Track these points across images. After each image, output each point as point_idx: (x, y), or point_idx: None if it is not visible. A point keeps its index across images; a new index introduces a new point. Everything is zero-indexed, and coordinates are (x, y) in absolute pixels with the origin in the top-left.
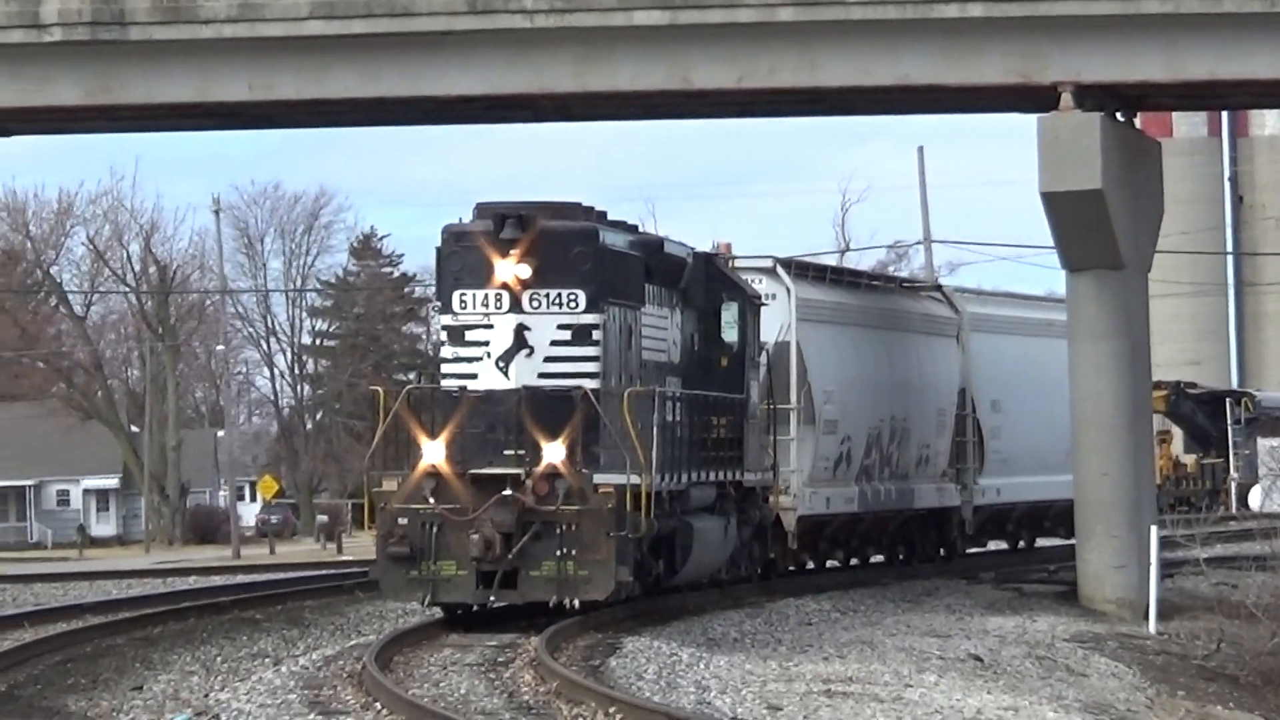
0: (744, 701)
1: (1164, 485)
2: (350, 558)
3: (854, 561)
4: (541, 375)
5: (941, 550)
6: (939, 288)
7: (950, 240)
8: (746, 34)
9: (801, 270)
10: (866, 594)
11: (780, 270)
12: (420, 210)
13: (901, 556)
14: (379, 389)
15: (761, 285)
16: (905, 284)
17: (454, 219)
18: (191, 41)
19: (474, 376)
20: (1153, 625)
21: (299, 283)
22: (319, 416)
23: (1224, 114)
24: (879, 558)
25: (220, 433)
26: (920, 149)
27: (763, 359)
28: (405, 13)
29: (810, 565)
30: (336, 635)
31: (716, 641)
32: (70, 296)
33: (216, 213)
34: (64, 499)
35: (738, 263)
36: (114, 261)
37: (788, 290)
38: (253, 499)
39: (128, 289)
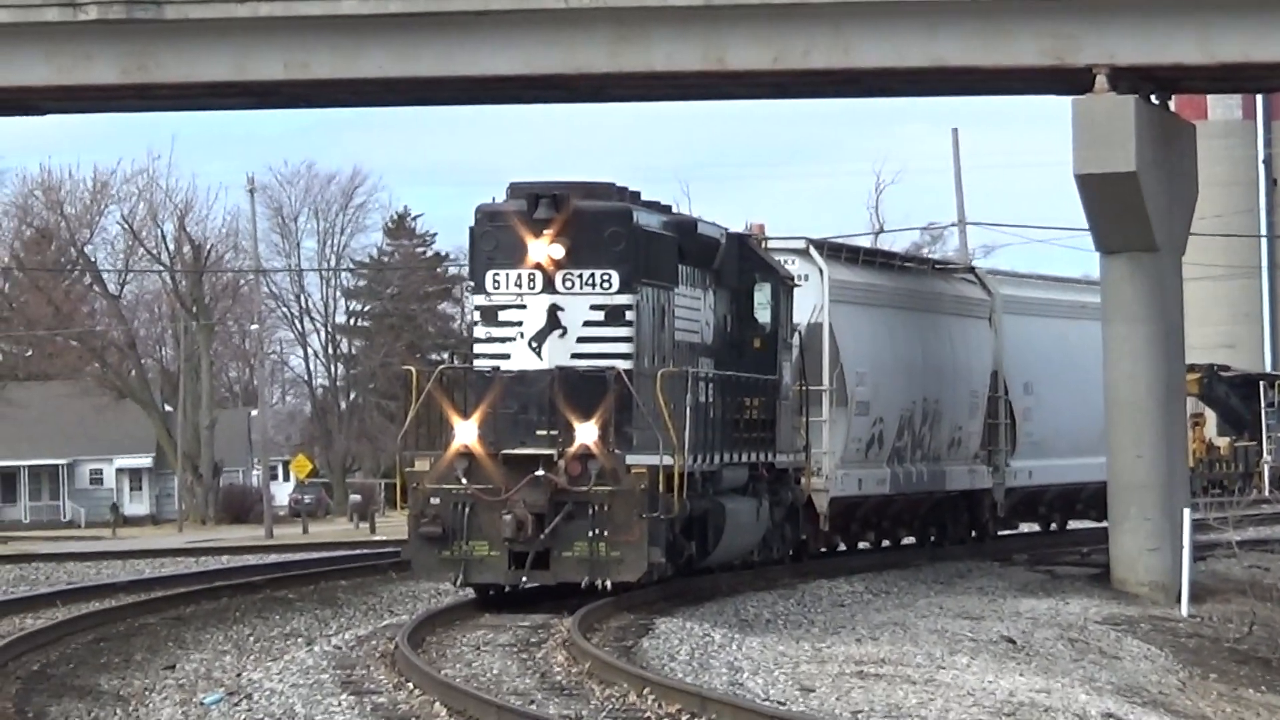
0: (776, 683)
1: (1197, 468)
2: (383, 537)
3: (885, 544)
4: (575, 355)
5: (973, 532)
6: (971, 269)
7: (984, 223)
8: (781, 15)
9: (834, 251)
10: (899, 576)
11: (813, 251)
12: (454, 190)
13: (933, 539)
14: (412, 369)
15: (794, 266)
16: (938, 265)
17: (487, 198)
18: (227, 20)
19: (507, 356)
20: (1185, 608)
21: (333, 262)
22: (352, 396)
23: (1258, 96)
24: (910, 540)
25: (254, 412)
26: (955, 130)
27: (795, 340)
28: None
29: (842, 547)
30: (369, 615)
31: (749, 623)
32: (104, 275)
33: (251, 192)
34: (97, 478)
35: (770, 244)
36: (148, 240)
37: (820, 271)
38: (286, 479)
39: (162, 268)
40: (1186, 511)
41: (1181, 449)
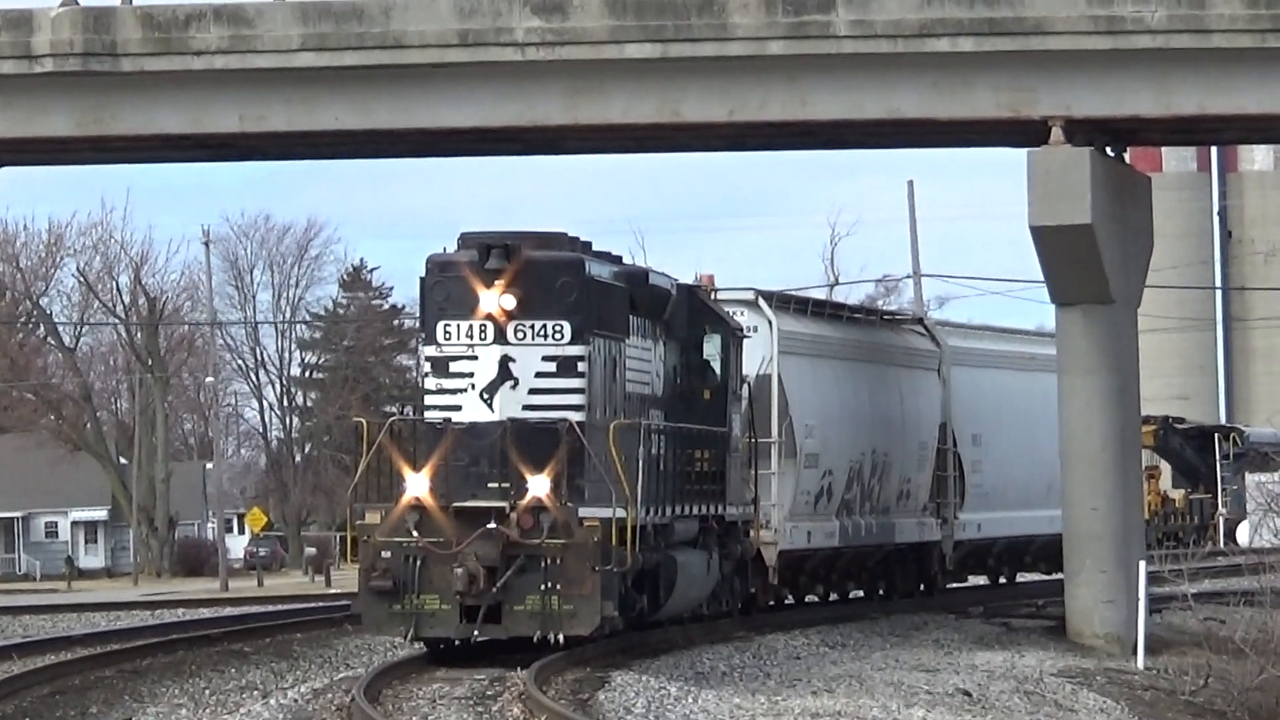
0: None
1: (1152, 520)
2: (338, 590)
3: (833, 597)
4: (526, 407)
5: (922, 585)
6: (920, 320)
7: (940, 274)
8: (737, 68)
9: (783, 303)
10: (854, 628)
11: (762, 302)
12: (410, 242)
13: (882, 592)
14: (362, 420)
15: (743, 317)
16: (886, 317)
17: (439, 249)
18: (183, 73)
19: (458, 408)
20: (1141, 660)
21: (288, 314)
22: (308, 449)
23: (1213, 149)
24: (859, 593)
25: (209, 465)
26: (910, 183)
27: (744, 392)
28: (396, 45)
29: (790, 600)
30: (325, 668)
31: (705, 675)
32: (60, 328)
33: (206, 244)
34: (52, 530)
35: (720, 295)
36: (104, 293)
37: (770, 323)
38: (241, 531)
39: (117, 320)
40: (1142, 564)
41: (1137, 501)
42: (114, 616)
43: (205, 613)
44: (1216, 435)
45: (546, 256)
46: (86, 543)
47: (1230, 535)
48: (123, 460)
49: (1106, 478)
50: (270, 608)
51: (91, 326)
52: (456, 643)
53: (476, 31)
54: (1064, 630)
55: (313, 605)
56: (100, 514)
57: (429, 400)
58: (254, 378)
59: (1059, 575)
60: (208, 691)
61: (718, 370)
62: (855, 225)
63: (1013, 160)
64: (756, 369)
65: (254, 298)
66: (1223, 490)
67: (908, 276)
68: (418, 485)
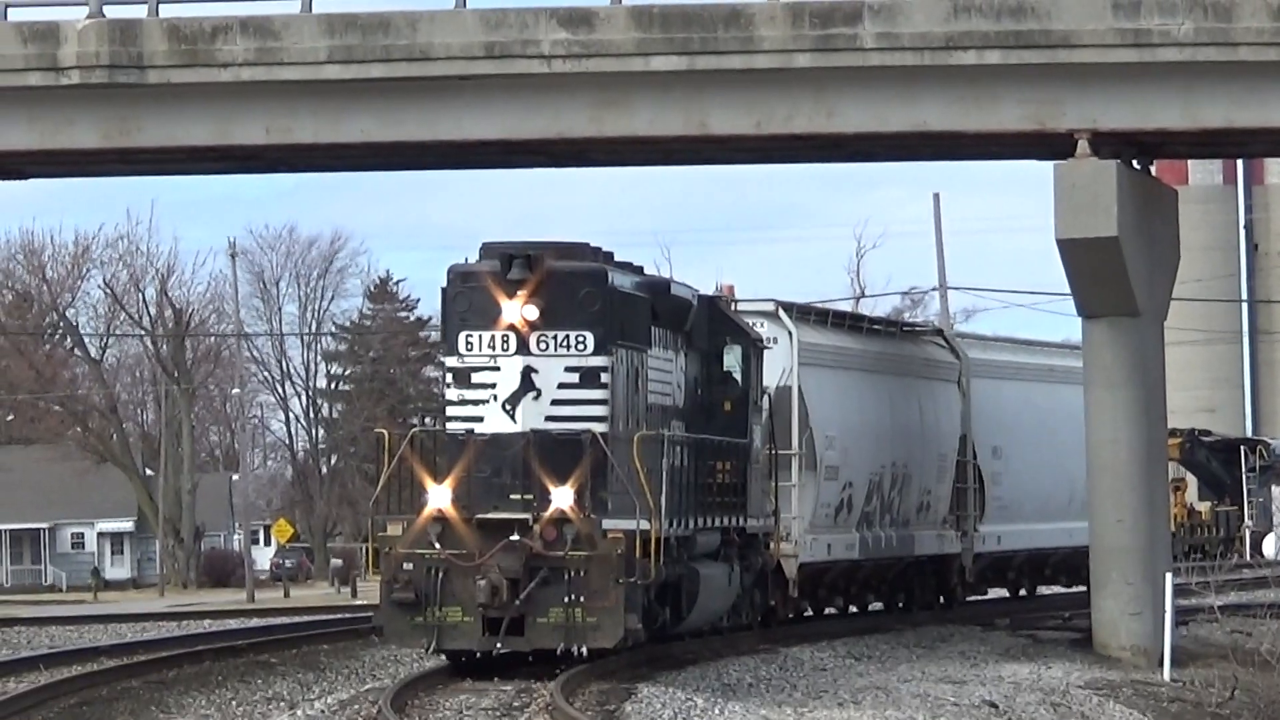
0: None
1: (1178, 533)
2: (364, 602)
3: (852, 609)
4: (549, 419)
5: (941, 598)
6: (940, 332)
7: (966, 287)
8: (764, 80)
9: (803, 314)
10: (880, 640)
11: (782, 314)
12: (436, 253)
13: (901, 604)
14: (384, 431)
15: (763, 329)
16: (906, 328)
17: (460, 259)
18: (209, 85)
19: (480, 419)
20: (1167, 673)
21: (314, 326)
22: (334, 460)
23: (1239, 162)
24: (878, 605)
25: (235, 476)
26: (936, 195)
27: (765, 403)
28: (423, 57)
29: (809, 613)
30: (352, 679)
31: (731, 687)
32: (86, 340)
33: (233, 256)
34: (79, 542)
35: (739, 306)
36: (130, 305)
37: (790, 334)
38: (267, 543)
39: (144, 332)
40: (1168, 576)
41: (1163, 514)
42: (140, 628)
43: (231, 624)
44: (1243, 448)
45: (569, 267)
46: (113, 554)
47: (1256, 547)
48: (149, 471)
49: (1133, 490)
50: (296, 619)
51: (118, 338)
52: (478, 655)
53: (503, 44)
54: (1090, 642)
55: (339, 616)
56: (126, 525)
57: (451, 411)
58: (280, 389)
59: (1080, 588)
60: (234, 703)
61: (739, 381)
62: (881, 238)
63: (1039, 173)
64: (776, 380)
65: (280, 309)
66: (1249, 503)
67: (934, 289)
68: (440, 497)
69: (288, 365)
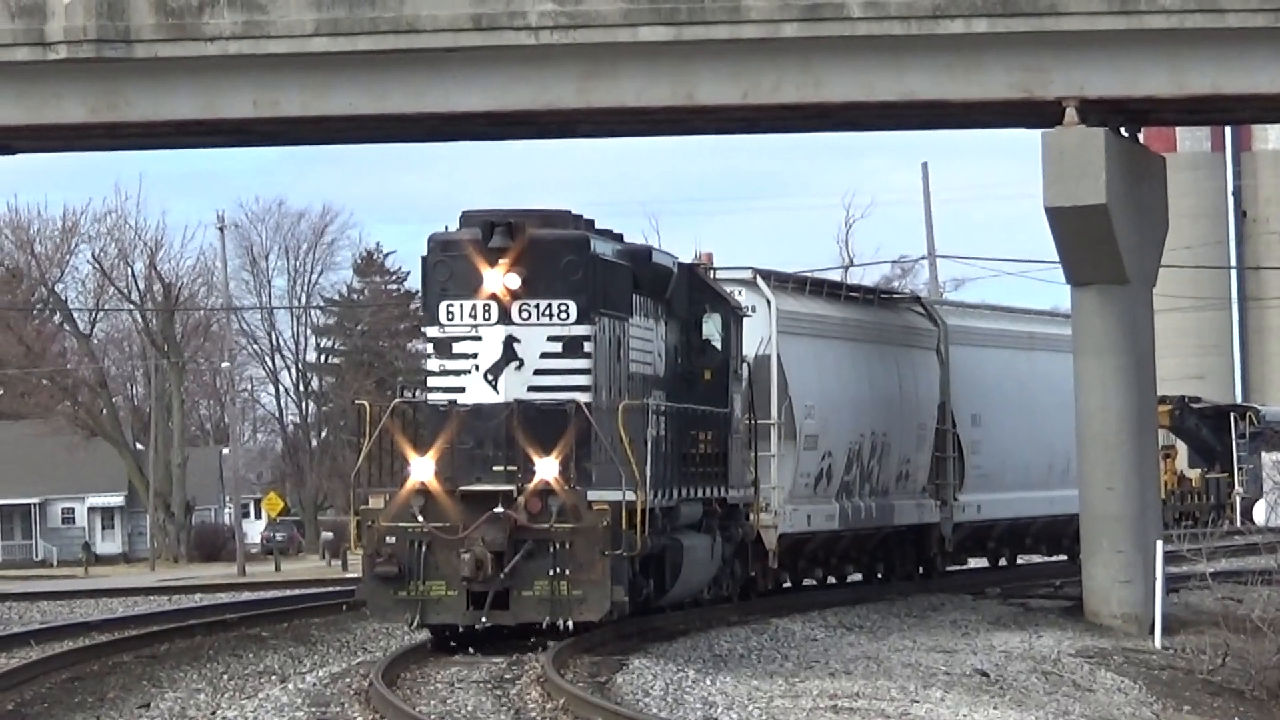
0: (750, 717)
1: (1168, 500)
2: (355, 574)
3: (831, 580)
4: (531, 388)
5: (920, 568)
6: (918, 299)
7: (955, 255)
8: (751, 50)
9: (781, 282)
10: (871, 610)
11: (760, 281)
12: (424, 226)
13: (880, 575)
14: (365, 403)
15: (741, 297)
16: (885, 295)
17: (440, 228)
18: (196, 59)
19: (462, 390)
20: (1158, 640)
21: (303, 300)
22: (323, 433)
23: (1227, 129)
24: (857, 576)
25: (225, 450)
26: (925, 164)
27: (744, 372)
28: (410, 29)
29: (788, 584)
30: (343, 652)
31: (722, 658)
32: (75, 314)
33: (221, 230)
34: (69, 517)
35: (718, 274)
36: (119, 279)
37: (768, 302)
38: (258, 516)
39: (133, 306)
40: (1159, 543)
41: (1153, 481)
42: (131, 602)
43: (223, 597)
44: (1232, 414)
45: (551, 234)
46: (103, 528)
47: (1247, 514)
48: (139, 446)
49: (1123, 458)
50: (288, 592)
51: (107, 313)
52: (461, 629)
53: (490, 15)
54: (1081, 610)
55: (330, 590)
56: (117, 500)
57: (432, 382)
58: (270, 363)
59: (1060, 557)
60: (225, 676)
61: (719, 349)
62: (870, 207)
63: (1028, 141)
64: (755, 349)
65: (269, 283)
66: (1239, 469)
67: (923, 258)
68: (422, 469)
69: (277, 339)
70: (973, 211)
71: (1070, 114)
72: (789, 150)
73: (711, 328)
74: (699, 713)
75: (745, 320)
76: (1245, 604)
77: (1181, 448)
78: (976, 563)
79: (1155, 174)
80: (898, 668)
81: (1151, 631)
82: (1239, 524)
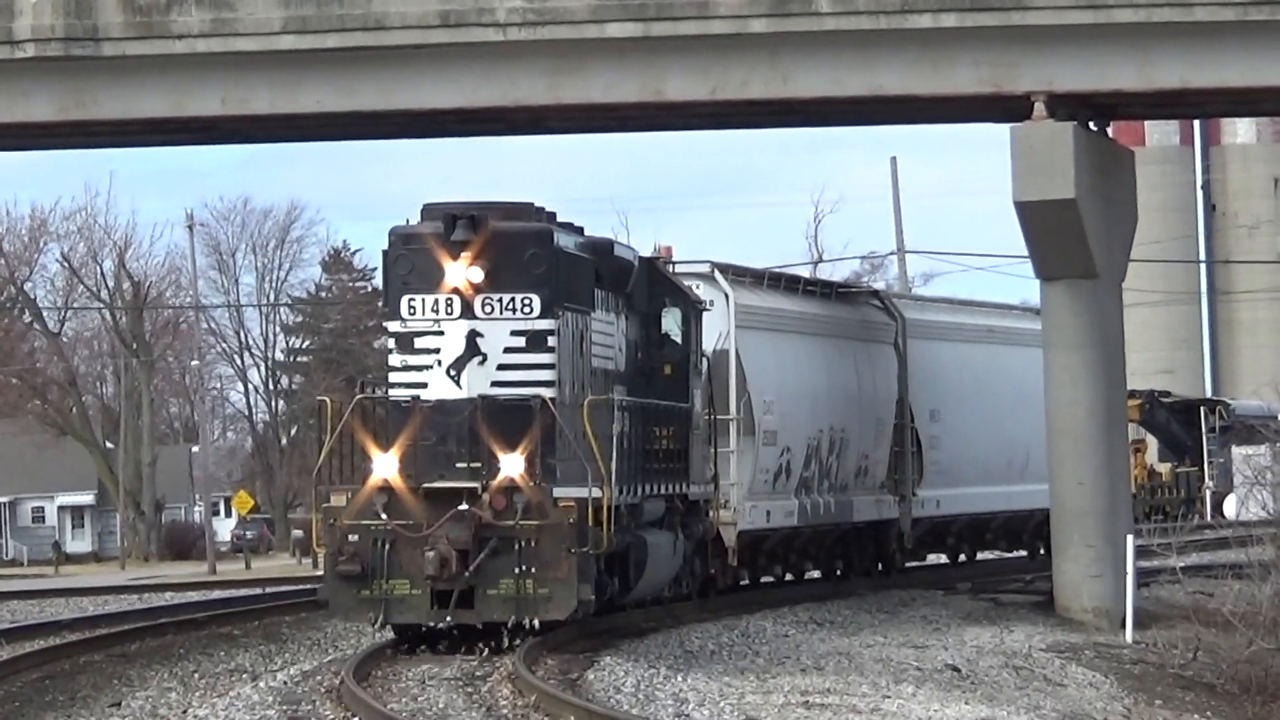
0: (722, 714)
1: (1139, 494)
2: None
3: (789, 577)
4: (495, 384)
5: (879, 565)
6: (876, 293)
7: (924, 251)
8: (719, 46)
9: (739, 275)
10: (843, 605)
11: (718, 275)
12: (392, 222)
13: (839, 572)
14: (326, 399)
15: (700, 291)
16: (843, 289)
17: (402, 221)
18: (165, 57)
19: (424, 386)
20: (1129, 634)
21: (272, 298)
22: (293, 431)
23: (1196, 122)
24: (815, 573)
25: (195, 448)
26: (893, 159)
27: (704, 367)
28: (378, 26)
29: (745, 581)
30: (314, 650)
31: (693, 655)
32: (44, 313)
33: (190, 228)
34: (39, 515)
35: (676, 268)
36: (88, 277)
37: (726, 296)
38: (228, 514)
39: (102, 305)
40: (1129, 538)
41: (1123, 475)
42: (102, 601)
43: (193, 596)
44: (1202, 408)
45: (514, 227)
46: (73, 527)
47: (1217, 508)
48: (109, 444)
49: (1093, 452)
50: (258, 590)
51: (76, 311)
52: (424, 629)
53: (458, 12)
54: (1052, 605)
55: (300, 588)
56: (87, 498)
57: (394, 378)
58: (239, 361)
59: (1021, 553)
60: (196, 675)
61: (679, 344)
62: (839, 203)
63: (997, 136)
64: (714, 344)
65: (238, 281)
66: (1209, 463)
67: (892, 253)
68: (385, 466)
69: (246, 337)
70: (942, 206)
71: (1039, 108)
72: (758, 146)
73: (671, 322)
74: (671, 709)
75: (704, 315)
76: (1216, 598)
77: (1152, 442)
78: (936, 559)
79: (1124, 168)
80: (869, 663)
81: (1123, 626)
82: (1209, 518)
